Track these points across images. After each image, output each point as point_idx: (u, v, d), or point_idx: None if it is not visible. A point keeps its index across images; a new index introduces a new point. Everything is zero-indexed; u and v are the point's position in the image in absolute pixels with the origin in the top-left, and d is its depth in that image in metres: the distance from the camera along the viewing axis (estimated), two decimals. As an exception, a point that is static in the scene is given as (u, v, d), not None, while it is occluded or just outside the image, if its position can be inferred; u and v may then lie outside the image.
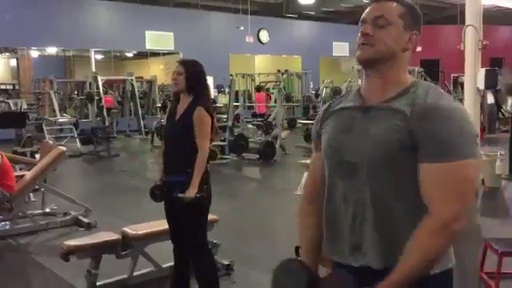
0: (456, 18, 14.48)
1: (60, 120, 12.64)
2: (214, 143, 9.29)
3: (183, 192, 2.93)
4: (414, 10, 1.42)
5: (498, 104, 10.14)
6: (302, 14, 20.21)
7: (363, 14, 1.42)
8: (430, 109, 1.30)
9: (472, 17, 6.80)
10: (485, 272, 3.40)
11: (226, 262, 3.86)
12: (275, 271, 1.43)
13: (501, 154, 6.80)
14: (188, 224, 3.04)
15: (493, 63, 13.58)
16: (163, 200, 3.11)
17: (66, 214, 5.49)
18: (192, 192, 2.91)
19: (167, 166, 3.09)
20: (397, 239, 1.32)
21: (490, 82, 6.49)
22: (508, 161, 7.31)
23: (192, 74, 3.02)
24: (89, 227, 5.18)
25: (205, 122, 2.99)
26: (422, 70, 12.73)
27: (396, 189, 1.33)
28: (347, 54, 20.50)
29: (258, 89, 15.71)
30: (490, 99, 9.63)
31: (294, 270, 1.40)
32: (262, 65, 20.69)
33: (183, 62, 3.08)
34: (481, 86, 6.35)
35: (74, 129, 12.14)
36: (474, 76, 6.52)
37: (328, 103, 1.59)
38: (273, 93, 14.98)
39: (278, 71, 14.94)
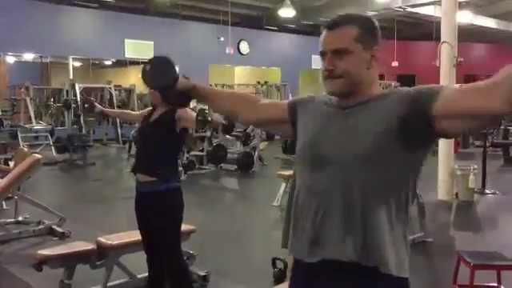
0: (432, 34, 14.79)
1: (35, 127, 12.45)
2: (192, 153, 9.37)
3: (155, 201, 2.96)
4: (369, 27, 1.43)
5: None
6: (281, 27, 20.39)
7: (320, 45, 1.43)
8: (415, 91, 1.34)
9: (447, 34, 6.97)
10: (458, 284, 3.45)
11: (201, 273, 3.83)
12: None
13: (474, 169, 6.94)
14: (161, 234, 3.04)
15: (467, 80, 13.89)
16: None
17: (39, 222, 5.39)
18: (216, 117, 2.92)
19: (138, 166, 3.11)
20: (363, 232, 1.34)
21: (464, 98, 6.62)
22: (481, 175, 7.46)
23: None
24: (63, 237, 5.10)
25: (189, 112, 2.99)
26: (398, 84, 12.96)
27: (368, 183, 1.34)
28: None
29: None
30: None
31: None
32: (241, 76, 20.75)
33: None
34: (455, 101, 6.47)
35: (49, 136, 11.97)
36: (448, 92, 6.64)
37: (307, 96, 1.61)
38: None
39: (258, 83, 15.02)
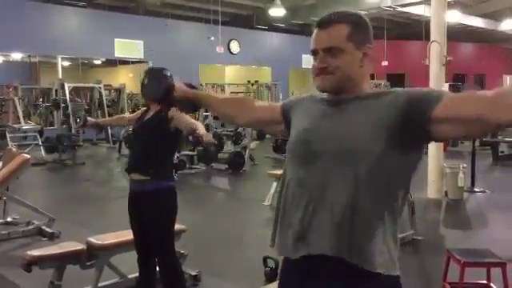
0: (421, 33, 14.88)
1: (24, 127, 12.35)
2: (182, 152, 9.34)
3: (148, 200, 2.95)
4: (360, 24, 1.43)
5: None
6: (272, 26, 20.39)
7: (312, 43, 1.43)
8: (416, 91, 1.35)
9: (436, 33, 7.02)
10: (448, 282, 3.48)
11: (193, 273, 3.83)
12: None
13: (463, 167, 6.99)
14: (154, 235, 3.03)
15: (456, 79, 14.00)
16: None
17: (28, 223, 5.35)
18: (207, 136, 2.98)
19: (131, 165, 3.10)
20: (352, 229, 1.31)
21: (454, 97, 6.68)
22: (470, 173, 7.52)
23: None
24: (52, 237, 5.06)
25: (184, 115, 2.95)
26: (388, 83, 13.03)
27: (360, 179, 1.32)
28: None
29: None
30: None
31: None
32: (232, 75, 20.73)
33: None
34: (444, 100, 6.52)
35: (38, 136, 11.87)
36: (438, 90, 6.69)
37: (298, 96, 1.65)
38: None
39: (248, 82, 15.01)
